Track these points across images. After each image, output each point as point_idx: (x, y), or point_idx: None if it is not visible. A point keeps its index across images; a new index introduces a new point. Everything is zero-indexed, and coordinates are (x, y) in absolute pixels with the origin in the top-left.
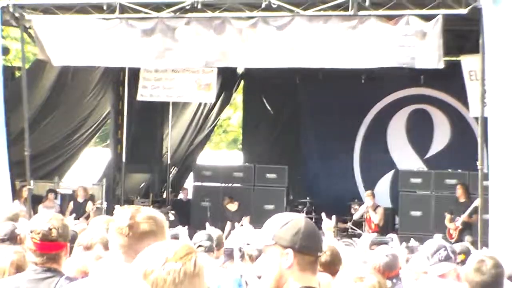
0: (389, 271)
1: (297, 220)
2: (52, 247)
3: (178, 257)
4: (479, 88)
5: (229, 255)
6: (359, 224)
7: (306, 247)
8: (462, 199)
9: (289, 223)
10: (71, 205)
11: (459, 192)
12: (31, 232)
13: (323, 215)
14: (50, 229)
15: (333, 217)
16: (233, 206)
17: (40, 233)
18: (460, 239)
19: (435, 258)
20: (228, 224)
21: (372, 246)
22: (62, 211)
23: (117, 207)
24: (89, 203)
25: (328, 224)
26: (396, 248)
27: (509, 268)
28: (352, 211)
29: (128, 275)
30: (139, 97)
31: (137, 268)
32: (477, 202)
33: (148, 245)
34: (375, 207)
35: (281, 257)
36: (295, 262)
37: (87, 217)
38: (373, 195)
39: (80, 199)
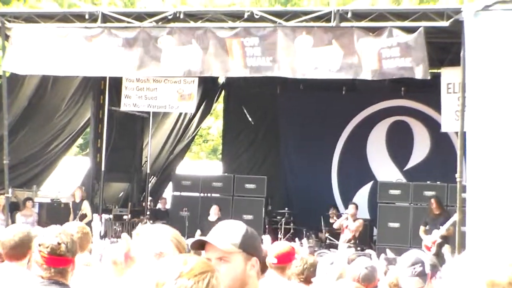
0: (368, 283)
1: (254, 230)
2: (60, 261)
3: (192, 274)
4: (457, 101)
5: None
6: (336, 234)
7: (263, 256)
8: (437, 211)
9: (249, 231)
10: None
11: (434, 205)
12: (39, 245)
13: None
14: (59, 244)
15: (304, 241)
16: (213, 217)
17: (49, 247)
18: (439, 251)
19: (409, 272)
20: (198, 231)
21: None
22: (39, 220)
23: (95, 216)
24: (85, 202)
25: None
26: (374, 262)
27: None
28: (330, 215)
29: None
30: (122, 107)
31: (152, 277)
32: (456, 217)
33: None
34: (355, 219)
35: (246, 264)
36: (257, 270)
37: (81, 217)
38: (356, 207)
39: (77, 200)
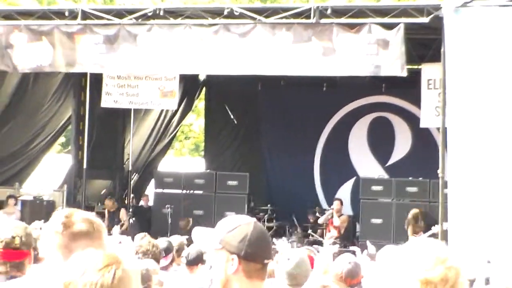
0: (351, 278)
1: (245, 226)
2: (15, 255)
3: (96, 268)
4: (438, 97)
5: (190, 264)
6: (318, 231)
7: (252, 254)
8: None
9: (236, 228)
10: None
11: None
12: None
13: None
14: (13, 237)
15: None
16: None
17: (3, 242)
18: None
19: None
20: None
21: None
22: (22, 217)
23: None
24: (122, 210)
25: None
26: (359, 258)
27: (469, 274)
28: (310, 218)
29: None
30: (103, 104)
31: (60, 277)
32: (436, 229)
33: (82, 246)
34: (340, 214)
35: (226, 263)
36: (240, 269)
37: (122, 226)
38: (341, 202)
39: (112, 209)
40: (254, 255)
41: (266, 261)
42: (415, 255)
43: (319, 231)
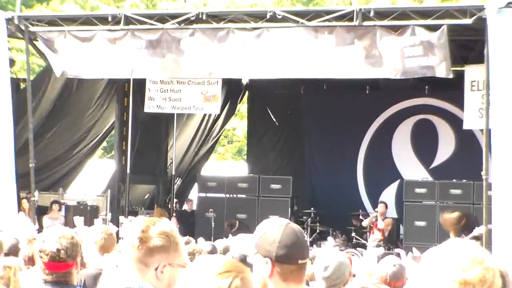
0: (396, 281)
1: (276, 229)
2: (60, 267)
3: (216, 272)
4: (481, 98)
5: None
6: (363, 234)
7: (284, 256)
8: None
9: (268, 231)
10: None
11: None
12: (40, 251)
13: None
14: (59, 250)
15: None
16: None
17: (48, 254)
18: None
19: None
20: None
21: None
22: (66, 222)
23: (121, 218)
24: (173, 219)
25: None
26: (403, 261)
27: None
28: (354, 221)
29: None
30: (146, 109)
31: (179, 281)
32: (479, 230)
33: (158, 260)
34: (385, 217)
35: (262, 266)
36: (275, 271)
37: None
38: (386, 206)
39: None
40: (286, 256)
41: (300, 261)
42: (452, 255)
43: (363, 234)
